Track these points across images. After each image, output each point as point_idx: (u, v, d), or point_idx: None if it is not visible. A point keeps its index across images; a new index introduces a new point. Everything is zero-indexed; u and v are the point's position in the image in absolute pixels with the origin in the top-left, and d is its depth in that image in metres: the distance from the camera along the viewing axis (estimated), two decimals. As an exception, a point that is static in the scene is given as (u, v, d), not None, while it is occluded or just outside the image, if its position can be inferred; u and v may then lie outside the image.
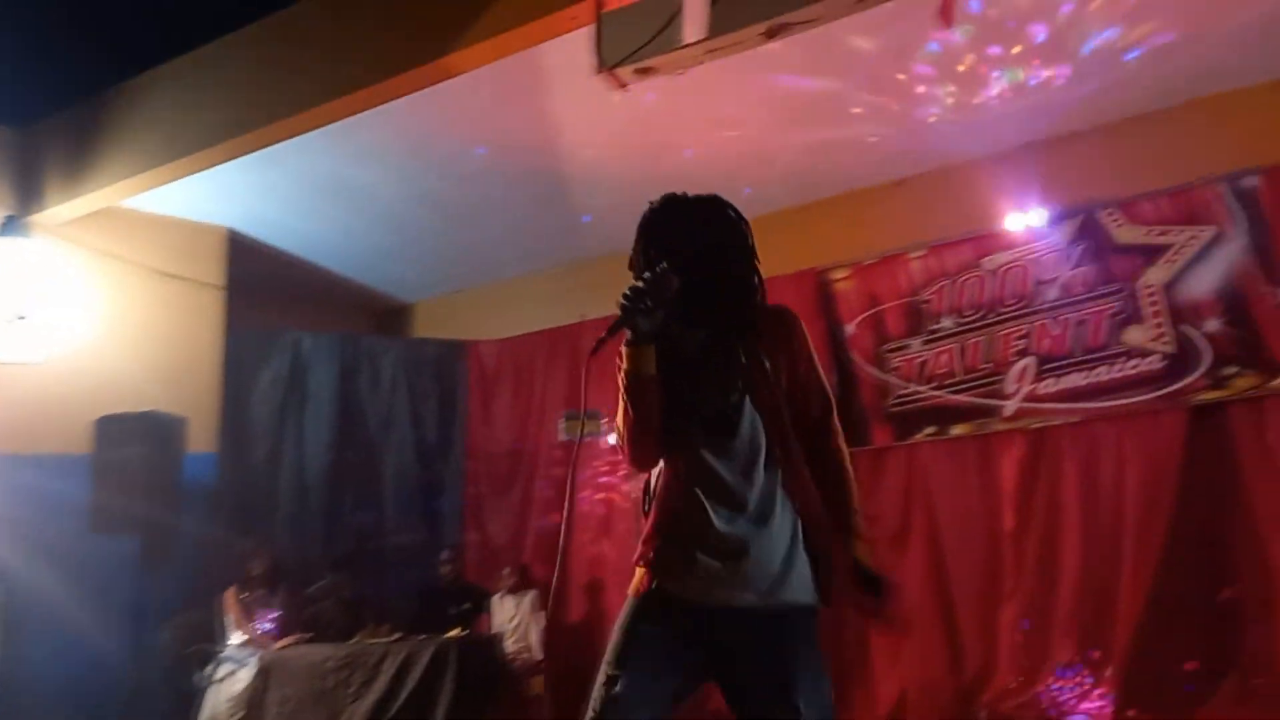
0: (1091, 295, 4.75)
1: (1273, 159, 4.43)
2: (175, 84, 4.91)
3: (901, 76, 4.51)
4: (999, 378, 4.92)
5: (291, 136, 4.53)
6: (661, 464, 1.91)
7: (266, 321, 6.56)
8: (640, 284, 1.82)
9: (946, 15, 3.34)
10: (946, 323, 5.15)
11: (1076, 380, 4.71)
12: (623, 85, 3.52)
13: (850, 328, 5.40)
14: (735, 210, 2.04)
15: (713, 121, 4.90)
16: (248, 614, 5.15)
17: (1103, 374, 4.66)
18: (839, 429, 1.97)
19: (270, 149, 4.63)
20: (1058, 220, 4.87)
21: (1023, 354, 4.88)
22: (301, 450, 6.31)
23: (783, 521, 1.86)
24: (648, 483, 1.97)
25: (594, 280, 6.43)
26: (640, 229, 2.00)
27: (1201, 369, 4.42)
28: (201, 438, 5.52)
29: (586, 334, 6.25)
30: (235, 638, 5.09)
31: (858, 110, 4.82)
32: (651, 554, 1.88)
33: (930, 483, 5.06)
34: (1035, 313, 4.88)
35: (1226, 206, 4.48)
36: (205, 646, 5.08)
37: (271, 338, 6.42)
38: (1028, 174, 4.98)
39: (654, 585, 1.88)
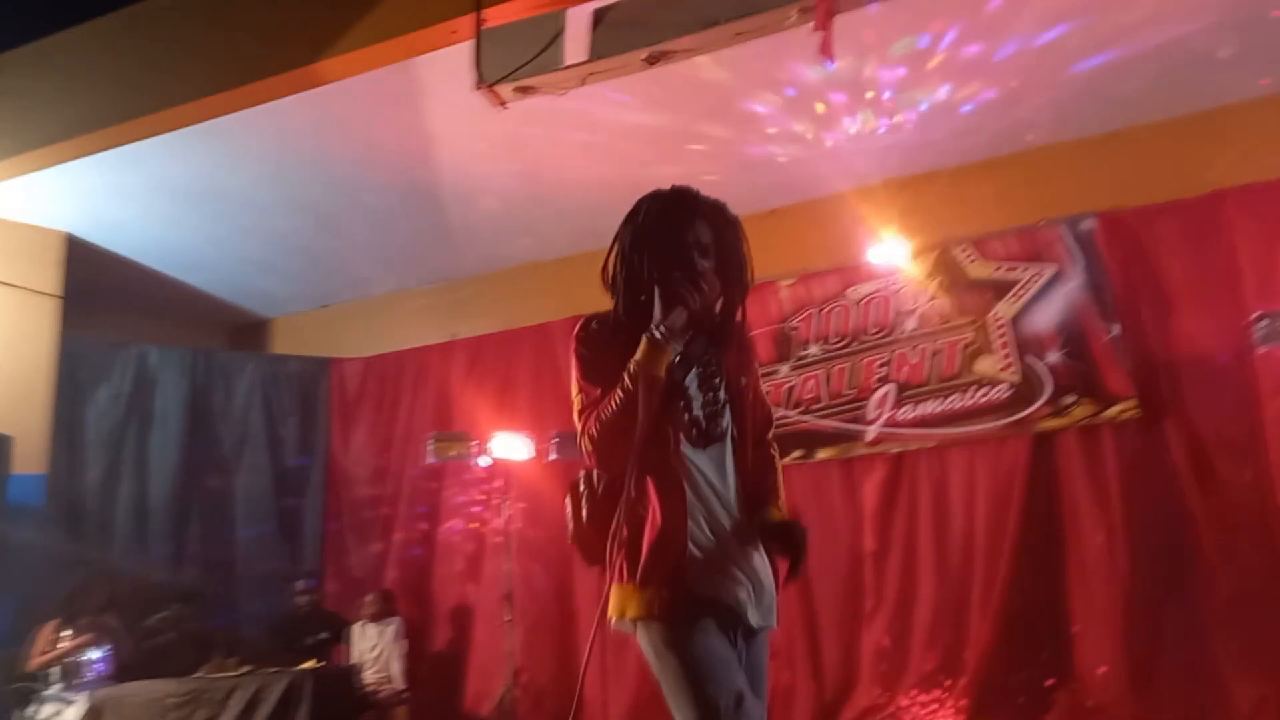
0: (946, 327, 5.01)
1: (1108, 205, 4.80)
2: (16, 74, 4.56)
3: (765, 110, 4.67)
4: (862, 404, 5.11)
5: (149, 136, 4.29)
6: (637, 474, 1.80)
7: (110, 334, 6.13)
8: (700, 280, 1.81)
9: (825, 49, 3.46)
10: (814, 350, 5.32)
11: (932, 407, 4.94)
12: (502, 102, 3.49)
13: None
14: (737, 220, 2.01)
15: (589, 146, 4.92)
16: (76, 648, 4.74)
17: (956, 402, 4.90)
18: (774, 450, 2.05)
19: (124, 149, 4.36)
20: (917, 255, 5.11)
21: (883, 381, 5.09)
22: (144, 472, 5.91)
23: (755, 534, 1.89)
24: (586, 492, 1.90)
25: (467, 298, 6.36)
26: (653, 216, 1.91)
27: (1044, 398, 4.71)
28: (30, 457, 5.10)
29: (457, 353, 6.14)
30: (54, 674, 4.67)
31: (731, 141, 4.94)
32: (669, 568, 1.77)
33: (797, 505, 5.18)
34: (895, 342, 5.10)
35: (1067, 247, 4.81)
36: (26, 684, 4.65)
37: (113, 350, 6.00)
38: (890, 210, 5.21)
39: (693, 596, 1.77)
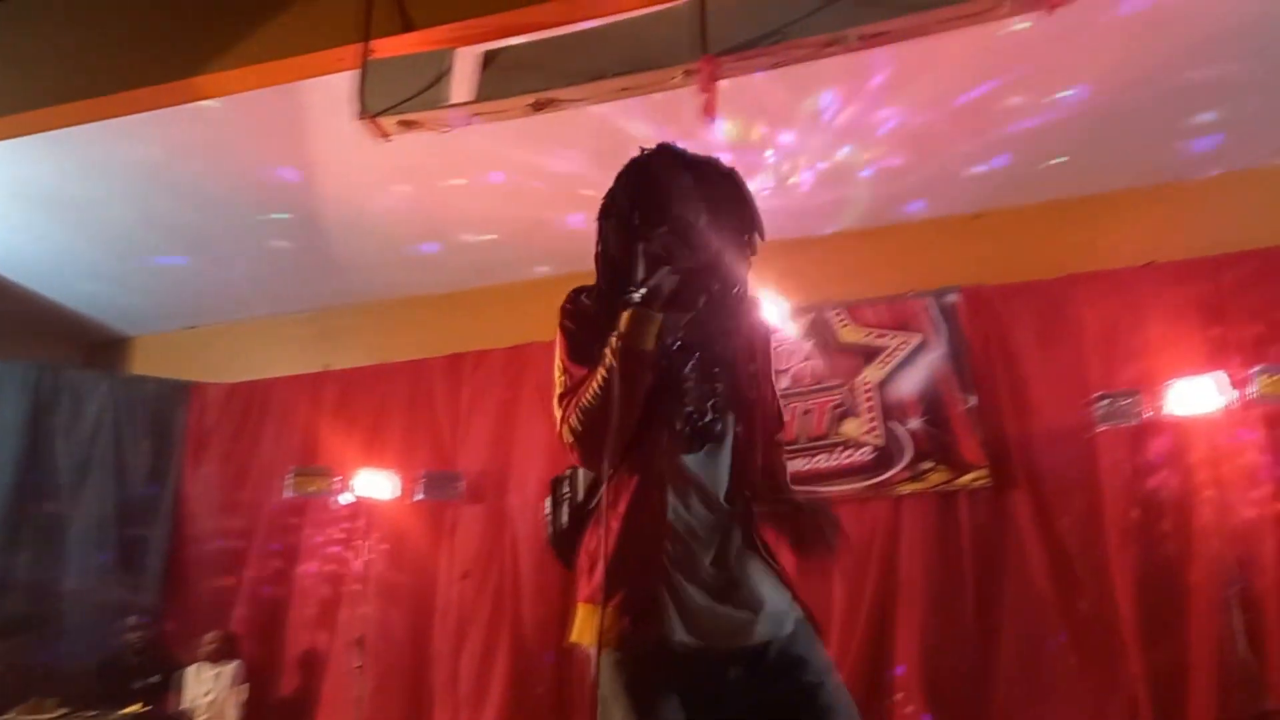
0: (817, 387, 5.14)
1: (972, 280, 5.05)
2: None
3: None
4: (734, 459, 5.18)
5: (6, 138, 4.04)
6: (616, 476, 1.58)
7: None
8: (684, 224, 1.57)
9: (709, 110, 3.55)
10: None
11: (800, 466, 5.04)
12: (385, 135, 3.44)
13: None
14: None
15: (480, 183, 4.89)
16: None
17: (822, 461, 5.02)
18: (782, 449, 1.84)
19: (-30, 149, 4.09)
20: (793, 316, 5.25)
21: (756, 437, 5.18)
22: (-33, 493, 5.48)
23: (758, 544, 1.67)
24: (568, 493, 1.71)
25: (343, 328, 6.18)
26: (633, 173, 1.73)
27: (904, 462, 4.88)
28: None
29: (328, 385, 5.95)
30: None
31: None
32: (627, 590, 1.53)
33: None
34: (768, 400, 5.20)
35: (932, 318, 5.02)
36: None
37: (-59, 363, 5.59)
38: (770, 270, 5.33)
39: (642, 630, 1.52)
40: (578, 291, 1.70)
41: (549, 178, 4.83)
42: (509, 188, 4.91)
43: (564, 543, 1.70)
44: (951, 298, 5.03)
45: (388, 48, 3.43)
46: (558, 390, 1.62)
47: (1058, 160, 4.74)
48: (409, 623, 5.37)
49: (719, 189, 1.72)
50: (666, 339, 1.57)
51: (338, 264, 5.68)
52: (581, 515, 1.67)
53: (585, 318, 1.64)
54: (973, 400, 4.82)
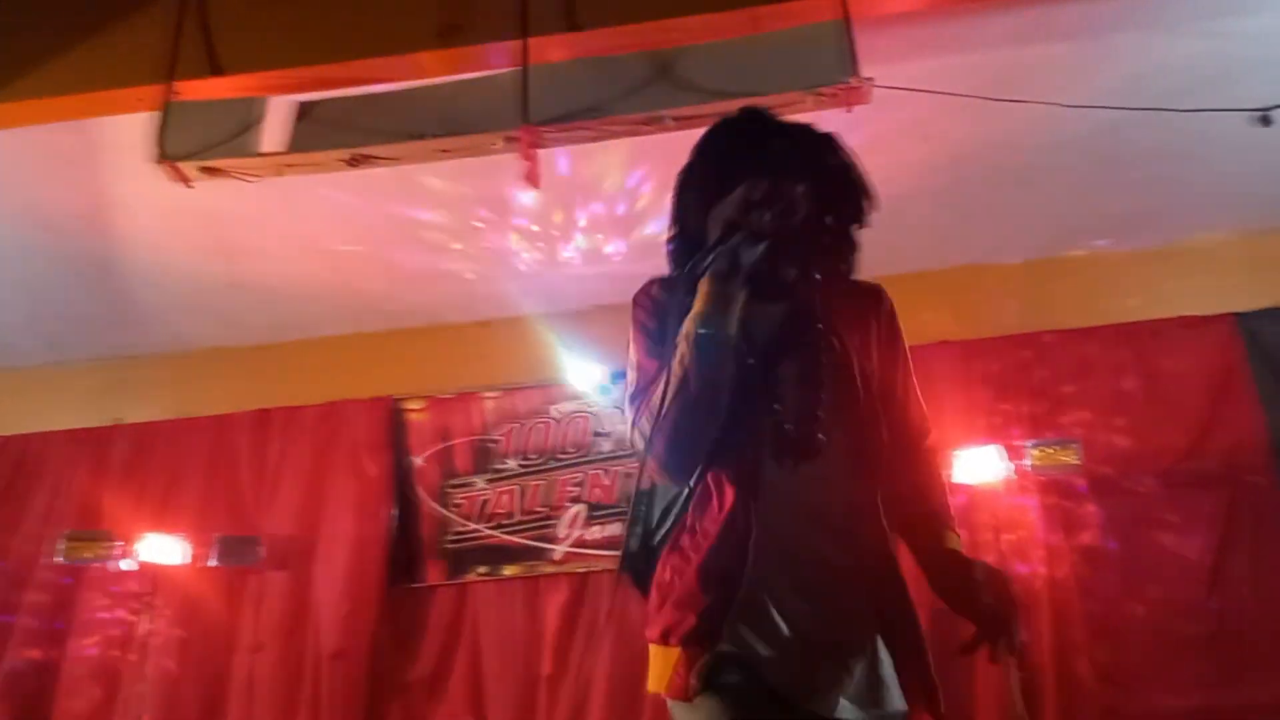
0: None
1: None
2: None
3: (483, 224, 4.73)
4: (553, 522, 5.14)
5: None
6: (694, 490, 1.35)
7: None
8: (765, 185, 1.36)
9: (531, 177, 3.57)
10: (512, 464, 5.30)
11: (619, 529, 5.06)
12: (186, 180, 3.26)
13: (419, 460, 5.35)
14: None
15: (295, 234, 4.71)
16: None
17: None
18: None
19: None
20: (617, 379, 5.30)
21: (576, 500, 5.16)
22: None
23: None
24: (642, 511, 1.46)
25: (137, 380, 5.74)
26: (713, 139, 1.52)
27: (719, 526, 4.98)
28: None
29: (117, 440, 5.50)
30: None
31: (457, 247, 4.93)
32: (703, 630, 1.29)
33: (478, 623, 5.05)
34: (590, 462, 5.21)
35: (749, 386, 5.20)
36: None
37: None
38: (597, 333, 5.40)
39: (757, 682, 1.27)
40: (651, 283, 1.51)
41: (368, 231, 4.72)
42: (323, 238, 4.75)
43: (636, 569, 1.47)
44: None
45: (194, 90, 3.28)
46: (629, 392, 1.42)
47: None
48: (198, 700, 4.95)
49: (816, 154, 1.48)
50: (756, 329, 1.35)
51: (133, 311, 5.30)
52: (652, 540, 1.44)
53: (659, 307, 1.43)
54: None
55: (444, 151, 3.18)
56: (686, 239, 1.51)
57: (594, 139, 3.06)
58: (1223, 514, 4.52)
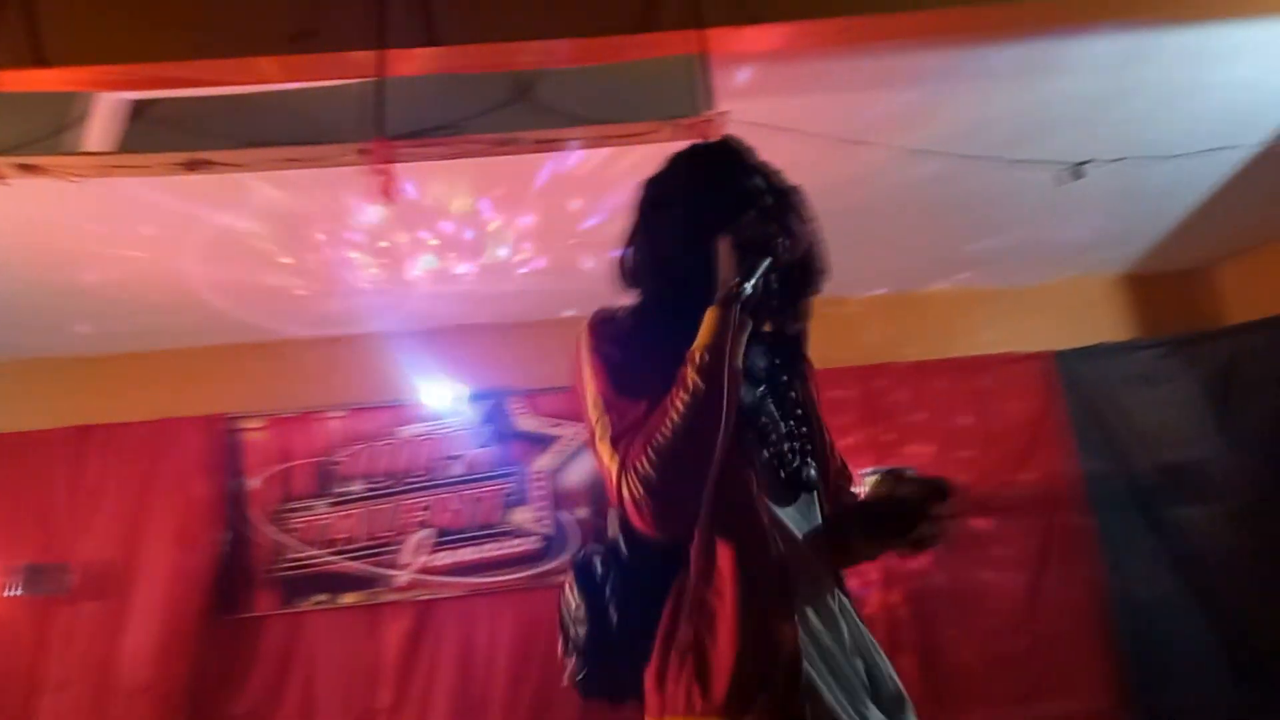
0: (490, 475, 5.11)
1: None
2: None
3: (323, 237, 4.56)
4: (397, 547, 4.97)
5: None
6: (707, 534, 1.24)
7: None
8: (789, 223, 1.30)
9: (387, 191, 3.47)
10: (356, 486, 5.11)
11: (467, 555, 4.95)
12: (1, 177, 3.00)
13: (254, 482, 5.07)
14: None
15: (124, 240, 4.40)
16: None
17: (490, 550, 4.97)
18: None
19: None
20: (471, 401, 5.21)
21: (422, 525, 5.02)
22: None
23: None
24: (608, 574, 1.34)
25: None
26: (698, 160, 1.43)
27: (570, 551, 4.96)
28: None
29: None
30: None
31: (288, 261, 4.73)
32: (777, 687, 1.18)
33: (313, 654, 4.82)
34: (439, 486, 5.09)
35: (603, 410, 5.21)
36: None
37: None
38: (451, 354, 5.30)
39: None
40: (604, 313, 1.37)
41: (215, 239, 4.46)
42: (157, 246, 4.46)
43: (603, 653, 1.32)
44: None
45: (13, 81, 3.02)
46: (599, 436, 1.27)
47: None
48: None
49: (788, 199, 1.43)
50: (751, 363, 1.29)
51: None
52: (635, 604, 1.30)
53: (630, 340, 1.32)
54: (637, 491, 5.02)
55: (291, 160, 3.05)
56: (660, 262, 1.38)
57: (450, 156, 3.00)
58: (1038, 543, 4.84)
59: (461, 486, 5.08)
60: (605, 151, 3.33)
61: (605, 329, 1.35)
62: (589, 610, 1.35)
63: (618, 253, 1.44)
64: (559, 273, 4.99)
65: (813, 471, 1.37)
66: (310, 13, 3.03)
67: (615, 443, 1.25)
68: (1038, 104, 3.63)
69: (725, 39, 2.92)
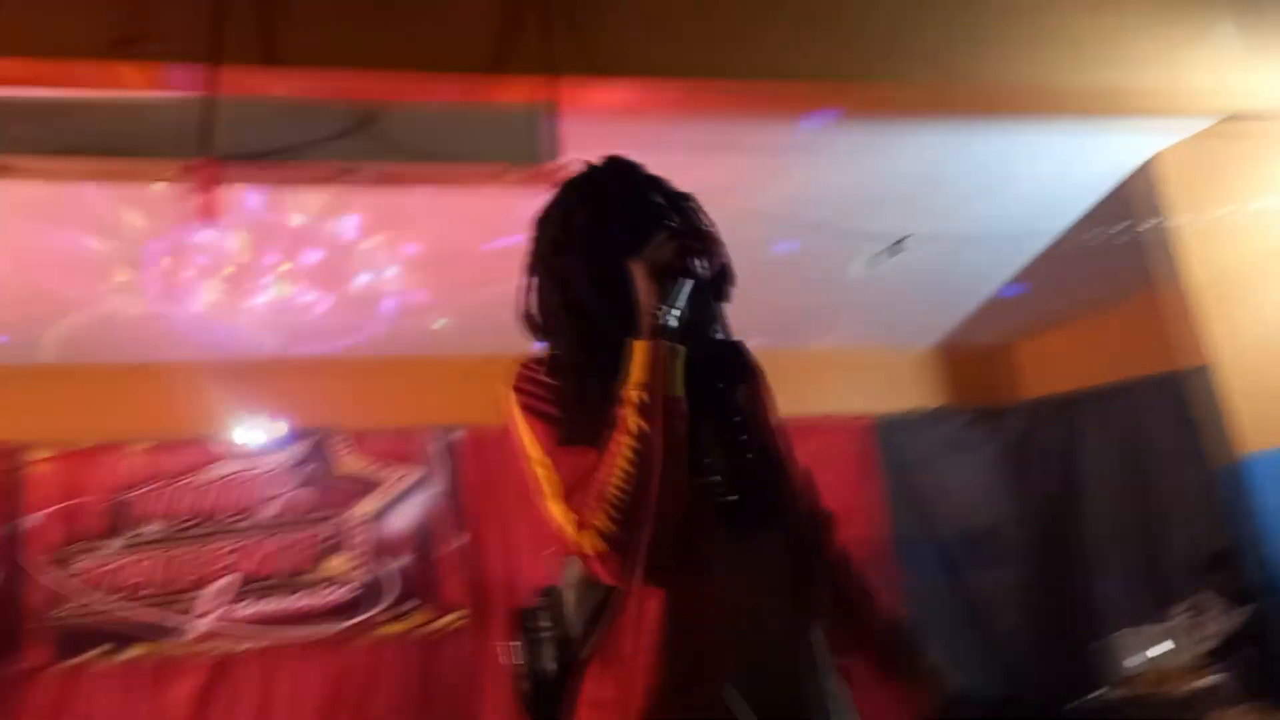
0: (307, 519, 4.84)
1: (478, 421, 5.19)
2: None
3: (151, 258, 4.27)
4: (197, 594, 4.61)
5: None
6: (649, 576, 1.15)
7: None
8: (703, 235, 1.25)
9: (208, 211, 3.28)
10: (155, 528, 4.72)
11: (275, 604, 4.64)
12: None
13: (35, 519, 4.59)
14: None
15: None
16: None
17: (301, 600, 4.68)
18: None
19: None
20: (292, 439, 4.94)
21: (228, 570, 4.68)
22: None
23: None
24: (542, 634, 1.24)
25: None
26: (624, 181, 1.35)
27: (387, 602, 4.74)
28: None
29: None
30: None
31: (122, 279, 4.37)
32: None
33: (92, 713, 4.36)
34: (250, 529, 4.77)
35: (435, 455, 5.06)
36: None
37: None
38: (275, 388, 5.02)
39: None
40: (529, 366, 1.28)
41: (49, 250, 4.08)
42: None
43: (549, 697, 1.23)
44: (457, 435, 5.12)
45: None
46: (554, 492, 1.20)
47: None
48: None
49: (686, 205, 1.37)
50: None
51: None
52: (575, 655, 1.21)
53: (560, 391, 1.23)
54: (464, 539, 4.88)
55: (107, 172, 2.85)
56: (576, 306, 1.29)
57: (282, 182, 2.89)
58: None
59: (273, 531, 4.79)
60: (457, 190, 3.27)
61: (533, 385, 1.27)
62: (529, 662, 1.26)
63: (521, 303, 1.36)
64: (420, 309, 4.85)
65: (765, 501, 1.26)
66: (141, 18, 2.86)
67: (567, 498, 1.18)
68: (865, 181, 3.86)
69: (575, 90, 2.96)
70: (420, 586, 4.77)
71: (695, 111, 3.32)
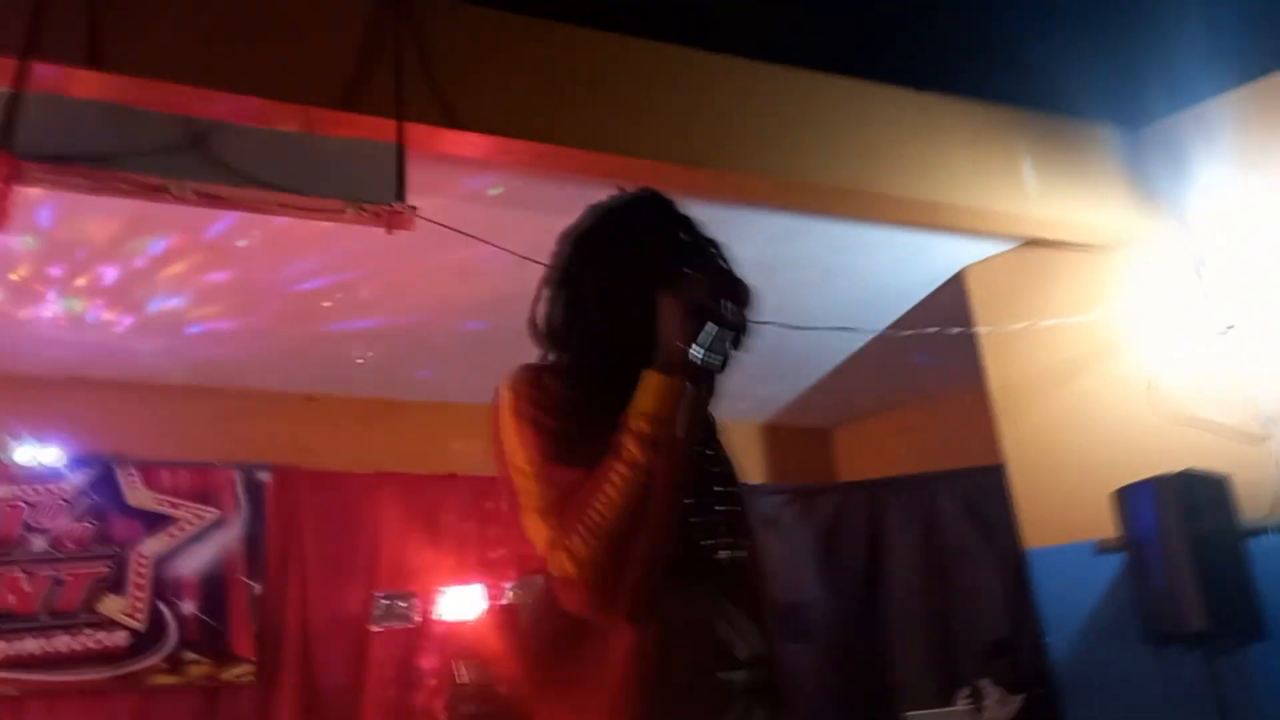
0: (83, 554, 4.41)
1: (290, 461, 4.92)
2: None
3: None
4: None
5: None
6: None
7: None
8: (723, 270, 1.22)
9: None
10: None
11: (32, 647, 4.17)
12: None
13: None
14: None
15: None
16: None
17: (64, 643, 4.23)
18: None
19: None
20: (74, 466, 4.51)
21: (-20, 605, 4.18)
22: None
23: None
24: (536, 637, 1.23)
25: None
26: (660, 211, 1.33)
27: (165, 650, 4.35)
28: None
29: None
30: None
31: None
32: None
33: None
34: (14, 562, 4.29)
35: (236, 494, 4.74)
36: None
37: None
38: (62, 409, 4.59)
39: None
40: (532, 371, 1.24)
41: None
42: None
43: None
44: (262, 475, 4.82)
45: None
46: (532, 504, 1.16)
47: (404, 365, 5.00)
48: None
49: (718, 253, 1.34)
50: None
51: None
52: (529, 677, 1.22)
53: (560, 403, 1.19)
54: (258, 588, 4.57)
55: None
56: (587, 322, 1.28)
57: (93, 191, 2.67)
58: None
59: (43, 564, 4.33)
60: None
61: (532, 390, 1.22)
62: (476, 680, 1.28)
63: (534, 311, 1.32)
64: (228, 338, 4.56)
65: (731, 554, 1.25)
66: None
67: (546, 515, 1.15)
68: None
69: (425, 136, 2.91)
70: (204, 636, 4.41)
71: (546, 174, 3.32)
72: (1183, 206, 3.81)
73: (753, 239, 3.85)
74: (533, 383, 1.23)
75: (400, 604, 4.35)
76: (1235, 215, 3.65)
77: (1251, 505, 3.37)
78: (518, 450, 1.20)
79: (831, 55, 3.63)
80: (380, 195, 2.91)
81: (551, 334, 1.31)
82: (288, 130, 2.89)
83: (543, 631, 1.22)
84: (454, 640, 4.55)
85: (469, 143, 2.96)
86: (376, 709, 4.55)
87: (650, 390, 1.12)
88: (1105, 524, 3.44)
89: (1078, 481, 3.80)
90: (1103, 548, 3.63)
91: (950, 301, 4.39)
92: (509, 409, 1.22)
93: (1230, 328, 3.60)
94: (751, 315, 1.19)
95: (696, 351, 1.12)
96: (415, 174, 2.91)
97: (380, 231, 2.99)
